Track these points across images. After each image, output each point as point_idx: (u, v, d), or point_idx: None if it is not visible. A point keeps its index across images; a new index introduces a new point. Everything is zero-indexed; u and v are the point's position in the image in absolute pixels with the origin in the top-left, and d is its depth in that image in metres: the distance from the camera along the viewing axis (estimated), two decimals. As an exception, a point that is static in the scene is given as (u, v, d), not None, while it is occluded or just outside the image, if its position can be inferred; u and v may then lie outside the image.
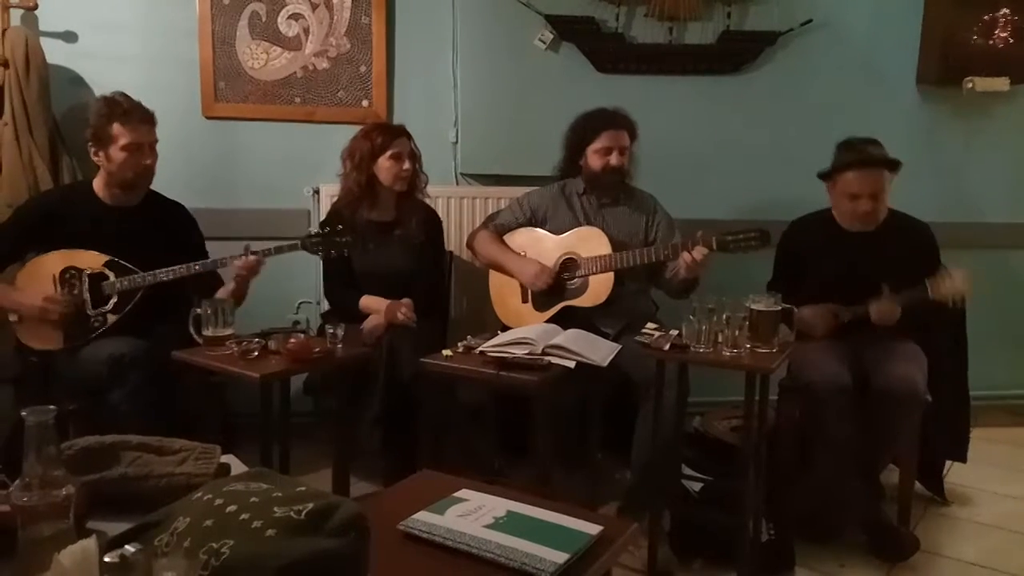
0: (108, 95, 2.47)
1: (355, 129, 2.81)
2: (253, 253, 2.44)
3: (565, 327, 2.37)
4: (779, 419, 2.55)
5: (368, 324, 2.60)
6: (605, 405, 2.59)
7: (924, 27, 3.37)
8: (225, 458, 1.31)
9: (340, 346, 2.26)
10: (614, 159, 2.73)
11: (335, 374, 2.41)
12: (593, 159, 2.76)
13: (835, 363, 2.41)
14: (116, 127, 2.41)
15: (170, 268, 2.43)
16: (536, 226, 2.86)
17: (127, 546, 0.80)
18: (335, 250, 2.45)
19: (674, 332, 2.22)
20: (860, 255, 2.57)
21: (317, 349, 2.18)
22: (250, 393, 2.12)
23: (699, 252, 2.46)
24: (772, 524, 2.38)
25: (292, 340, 2.16)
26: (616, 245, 2.69)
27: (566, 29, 3.25)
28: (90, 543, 0.84)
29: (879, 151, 2.55)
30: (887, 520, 2.44)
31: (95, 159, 2.47)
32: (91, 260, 2.45)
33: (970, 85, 3.30)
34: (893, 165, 2.52)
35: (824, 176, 2.59)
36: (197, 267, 2.45)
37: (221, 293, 2.52)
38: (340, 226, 2.47)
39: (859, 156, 2.52)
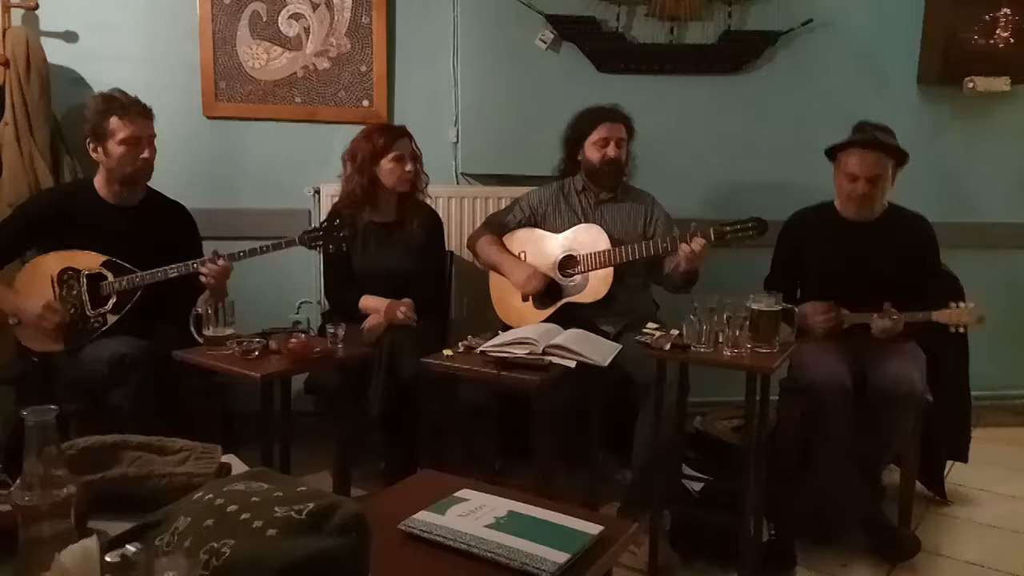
0: (105, 91, 2.48)
1: (356, 129, 2.81)
2: (221, 257, 2.42)
3: (566, 326, 2.37)
4: (780, 419, 2.55)
5: (368, 324, 2.60)
6: (605, 405, 2.59)
7: (925, 27, 3.37)
8: (226, 458, 1.31)
9: (341, 346, 2.26)
10: (611, 151, 2.74)
11: (336, 374, 2.41)
12: (591, 151, 2.77)
13: (835, 362, 2.41)
14: (114, 121, 2.41)
15: (167, 267, 2.43)
16: (536, 225, 2.86)
17: (128, 546, 0.80)
18: (333, 245, 2.44)
19: (675, 332, 2.22)
20: (859, 246, 2.57)
21: (318, 349, 2.19)
22: (251, 393, 2.12)
23: (698, 243, 2.47)
24: (773, 524, 2.38)
25: (293, 340, 2.16)
26: (615, 242, 2.70)
27: (567, 29, 3.25)
28: (91, 543, 0.84)
29: (889, 138, 2.55)
30: (888, 520, 2.44)
31: (94, 155, 2.47)
32: (89, 261, 2.45)
33: (971, 85, 3.30)
34: (895, 152, 2.52)
35: (829, 156, 2.60)
36: (195, 266, 2.44)
37: (204, 296, 2.49)
38: (338, 221, 2.47)
39: (863, 137, 2.53)
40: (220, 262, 2.41)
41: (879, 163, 2.50)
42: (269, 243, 2.45)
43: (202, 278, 2.41)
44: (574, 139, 2.83)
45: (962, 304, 2.39)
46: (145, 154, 2.47)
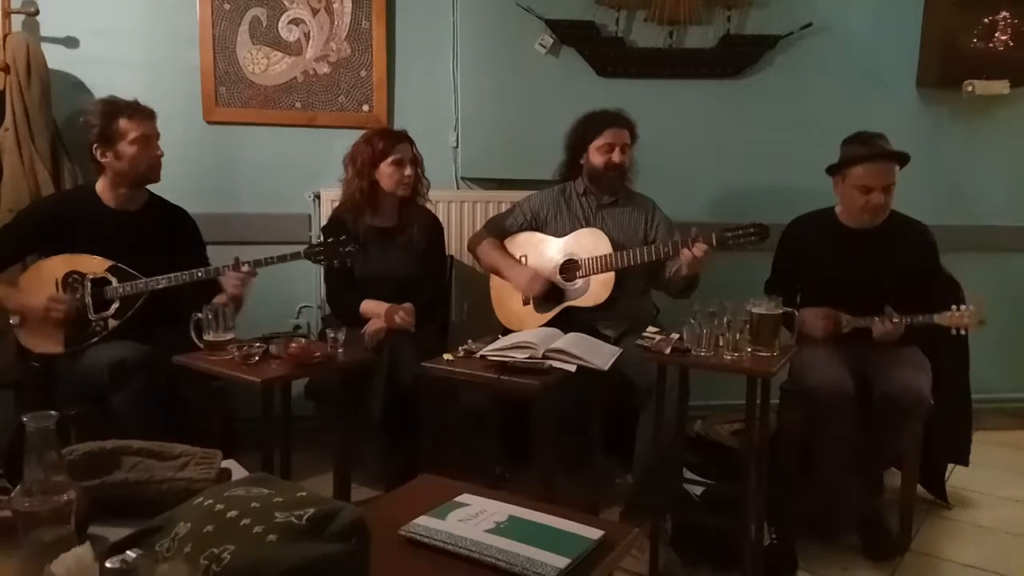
0: (104, 98, 2.51)
1: (356, 134, 2.82)
2: (245, 264, 2.43)
3: (566, 330, 2.37)
4: (780, 423, 2.55)
5: (370, 327, 2.60)
6: (606, 409, 2.59)
7: (924, 30, 3.38)
8: (226, 463, 1.31)
9: (341, 350, 2.26)
10: (616, 156, 2.74)
11: (336, 378, 2.41)
12: (595, 156, 2.77)
13: (837, 368, 2.41)
14: (124, 122, 2.44)
15: (172, 274, 2.44)
16: (537, 229, 2.86)
17: (128, 552, 0.80)
18: (338, 260, 2.45)
19: (675, 336, 2.22)
20: (860, 254, 2.57)
21: (318, 353, 2.19)
22: (251, 398, 2.12)
23: (699, 248, 2.47)
24: (774, 528, 2.37)
25: (293, 344, 2.17)
26: (616, 246, 2.70)
27: (566, 33, 3.26)
28: (84, 551, 0.84)
29: (888, 145, 2.56)
30: (883, 522, 2.44)
31: (103, 160, 2.47)
32: (94, 265, 2.45)
33: (970, 88, 3.30)
34: (904, 159, 2.53)
35: (832, 171, 2.60)
36: (200, 274, 2.45)
37: (219, 300, 2.51)
38: (343, 236, 2.48)
39: (872, 149, 2.53)
40: (244, 268, 2.43)
41: (890, 172, 2.50)
42: (273, 256, 2.45)
43: (230, 287, 2.44)
44: (578, 143, 2.82)
45: (964, 307, 2.39)
46: (157, 152, 2.51)
